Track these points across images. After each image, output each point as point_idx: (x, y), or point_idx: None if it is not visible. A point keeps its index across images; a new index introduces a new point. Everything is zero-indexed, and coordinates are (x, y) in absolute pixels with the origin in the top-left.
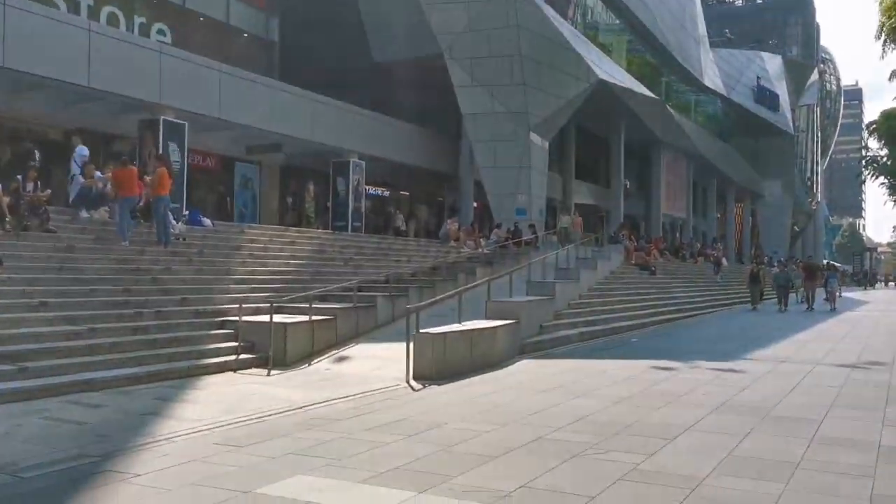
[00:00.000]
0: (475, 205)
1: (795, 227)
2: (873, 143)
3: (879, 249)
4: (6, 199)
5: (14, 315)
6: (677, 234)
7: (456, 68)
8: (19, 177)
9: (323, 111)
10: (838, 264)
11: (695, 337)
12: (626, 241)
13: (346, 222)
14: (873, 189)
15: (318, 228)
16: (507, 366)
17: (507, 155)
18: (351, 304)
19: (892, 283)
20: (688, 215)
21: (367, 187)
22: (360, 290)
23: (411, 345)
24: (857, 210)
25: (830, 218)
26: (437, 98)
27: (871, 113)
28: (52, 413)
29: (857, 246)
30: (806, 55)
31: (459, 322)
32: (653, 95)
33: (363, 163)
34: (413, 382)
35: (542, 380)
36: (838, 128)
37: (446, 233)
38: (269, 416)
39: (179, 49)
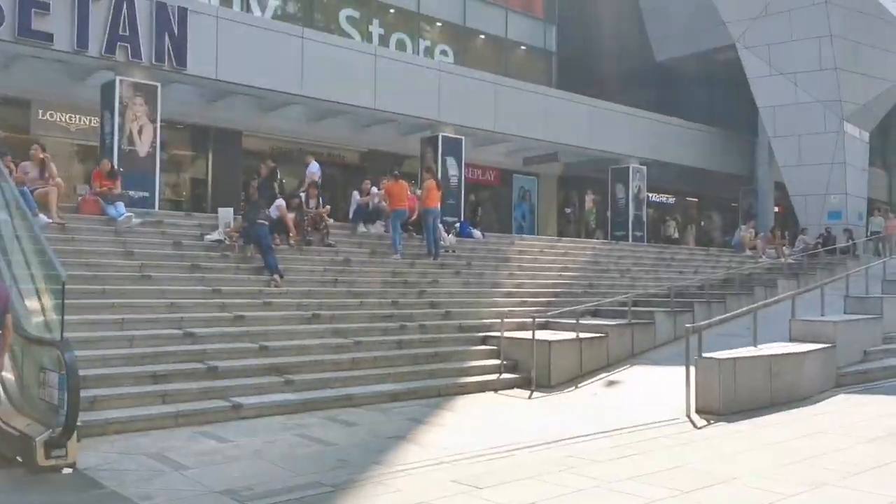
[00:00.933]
0: (776, 209)
1: None
2: None
3: None
4: (291, 216)
5: (288, 327)
6: None
7: (750, 57)
8: (302, 193)
9: (601, 116)
10: None
11: None
12: None
13: (626, 231)
14: None
15: (598, 239)
16: (818, 401)
17: (815, 150)
18: (625, 321)
19: None
20: None
21: (649, 194)
22: (636, 305)
23: (692, 371)
24: None
25: None
26: (726, 94)
27: None
28: (307, 430)
29: None
30: None
31: (755, 345)
32: None
33: (644, 168)
34: (695, 417)
35: (867, 423)
36: None
37: (740, 240)
38: (520, 449)
39: (456, 66)
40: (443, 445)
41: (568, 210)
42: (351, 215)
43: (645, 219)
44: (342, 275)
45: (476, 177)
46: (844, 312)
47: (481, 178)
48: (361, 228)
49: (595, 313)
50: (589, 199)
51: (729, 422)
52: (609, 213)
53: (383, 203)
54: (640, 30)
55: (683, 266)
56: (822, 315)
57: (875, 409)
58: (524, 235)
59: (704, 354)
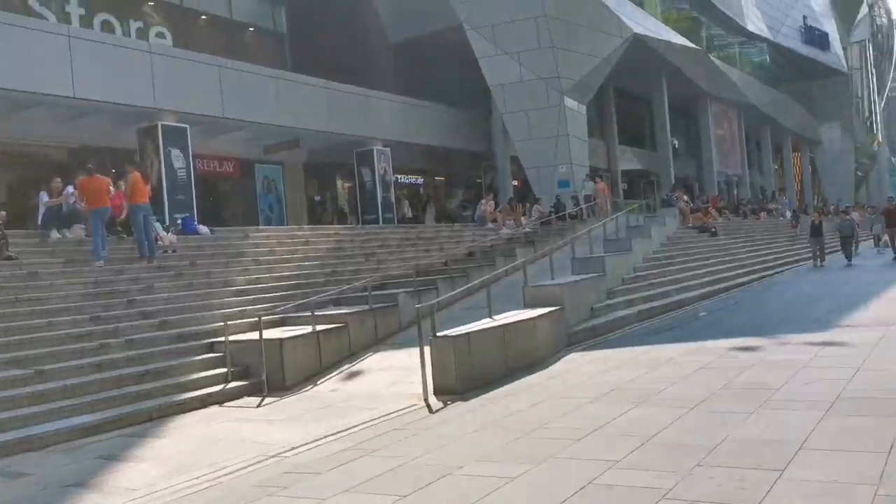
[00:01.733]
0: (515, 183)
1: (858, 173)
2: None
3: None
4: None
5: None
6: (734, 192)
7: (477, 37)
8: None
9: (339, 99)
10: None
11: (772, 303)
12: (681, 203)
13: (377, 214)
14: None
15: (351, 224)
16: (551, 363)
17: (541, 124)
18: (367, 307)
19: None
20: (743, 171)
21: (398, 176)
22: (381, 289)
23: (427, 352)
24: None
25: (893, 159)
26: (462, 73)
27: None
28: None
29: None
30: None
31: (490, 316)
32: (693, 46)
33: (388, 150)
34: (432, 400)
35: (594, 381)
36: (894, 63)
37: (482, 214)
38: (229, 473)
39: (172, 48)
40: (131, 487)
41: (318, 198)
42: (40, 220)
43: (394, 200)
44: (25, 292)
45: (212, 168)
46: (572, 274)
47: (219, 170)
48: (55, 235)
49: (337, 302)
50: (340, 185)
51: (465, 400)
52: (358, 197)
53: (80, 203)
54: (373, 11)
55: (429, 244)
56: (553, 279)
57: (601, 365)
58: (260, 227)
59: (439, 333)
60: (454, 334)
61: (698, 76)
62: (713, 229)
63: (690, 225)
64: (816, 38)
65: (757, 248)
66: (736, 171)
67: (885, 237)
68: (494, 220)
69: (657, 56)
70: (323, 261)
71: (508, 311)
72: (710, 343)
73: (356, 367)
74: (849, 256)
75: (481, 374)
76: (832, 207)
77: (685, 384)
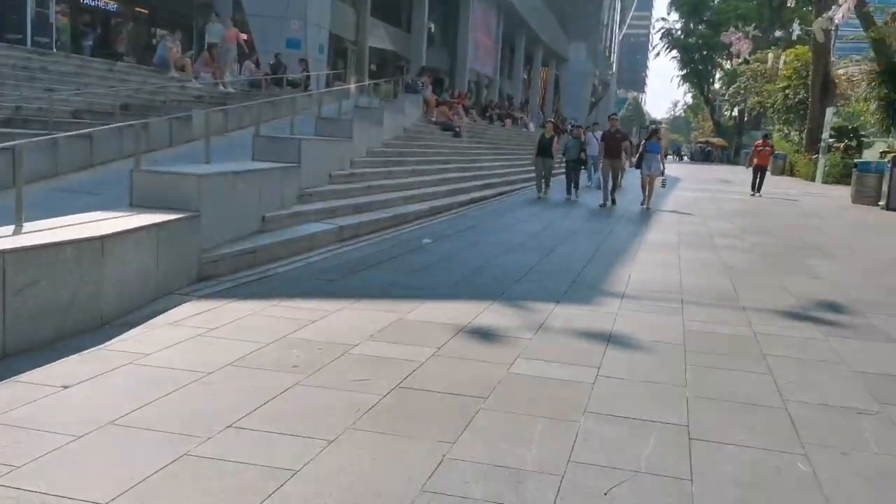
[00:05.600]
0: (245, 36)
1: (592, 98)
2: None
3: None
4: None
5: None
6: (484, 94)
7: None
8: None
9: None
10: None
11: (514, 235)
12: (427, 92)
13: (24, 35)
14: (654, 65)
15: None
16: (132, 326)
17: None
18: None
19: (668, 157)
20: (495, 75)
21: None
22: None
23: None
24: (640, 85)
25: (618, 92)
26: None
27: None
28: None
29: (640, 120)
30: None
31: (19, 223)
32: None
33: None
34: None
35: (175, 375)
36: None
37: (165, 58)
38: None
39: None
40: None
41: None
42: None
43: (53, 20)
44: None
45: None
46: (253, 159)
47: None
48: None
49: None
50: None
51: None
52: None
53: None
54: None
55: (60, 82)
56: (207, 164)
57: (210, 338)
58: None
59: None
60: None
61: None
62: (458, 128)
63: (434, 120)
64: None
65: (500, 157)
66: (488, 73)
67: (599, 173)
68: (182, 69)
69: None
70: None
71: (84, 213)
72: (419, 305)
73: None
74: (572, 191)
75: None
76: (569, 126)
77: (359, 401)
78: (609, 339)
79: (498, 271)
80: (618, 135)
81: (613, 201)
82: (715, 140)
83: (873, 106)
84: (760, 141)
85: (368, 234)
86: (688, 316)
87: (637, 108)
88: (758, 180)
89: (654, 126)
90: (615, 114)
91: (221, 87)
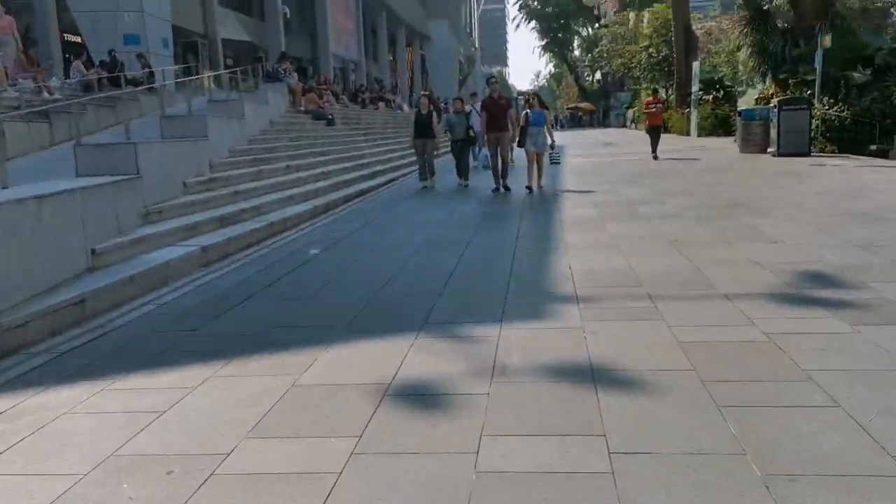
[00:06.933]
0: (78, 39)
1: (459, 76)
2: None
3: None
4: None
5: None
6: (352, 78)
7: None
8: None
9: None
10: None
11: (417, 232)
12: (292, 80)
13: None
14: (514, 39)
15: None
16: None
17: None
18: None
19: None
20: (360, 57)
21: None
22: None
23: None
24: (502, 60)
25: (483, 68)
26: None
27: None
28: None
29: (507, 93)
30: None
31: None
32: None
33: None
34: None
35: None
36: None
37: None
38: None
39: None
40: None
41: None
42: None
43: None
44: None
45: None
46: (77, 174)
47: None
48: None
49: None
50: None
51: None
52: None
53: None
54: None
55: None
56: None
57: None
58: None
59: None
60: None
61: None
62: (330, 116)
63: (304, 109)
64: None
65: (381, 143)
66: (352, 57)
67: (485, 150)
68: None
69: None
70: None
71: None
72: (329, 359)
73: None
74: (463, 176)
75: None
76: (443, 106)
77: None
78: (593, 376)
79: (411, 282)
80: (501, 100)
81: (507, 188)
82: (583, 105)
83: (746, 54)
84: (651, 98)
85: (241, 251)
86: (669, 318)
87: (502, 81)
88: (657, 142)
89: (538, 97)
90: (493, 76)
91: (46, 94)
